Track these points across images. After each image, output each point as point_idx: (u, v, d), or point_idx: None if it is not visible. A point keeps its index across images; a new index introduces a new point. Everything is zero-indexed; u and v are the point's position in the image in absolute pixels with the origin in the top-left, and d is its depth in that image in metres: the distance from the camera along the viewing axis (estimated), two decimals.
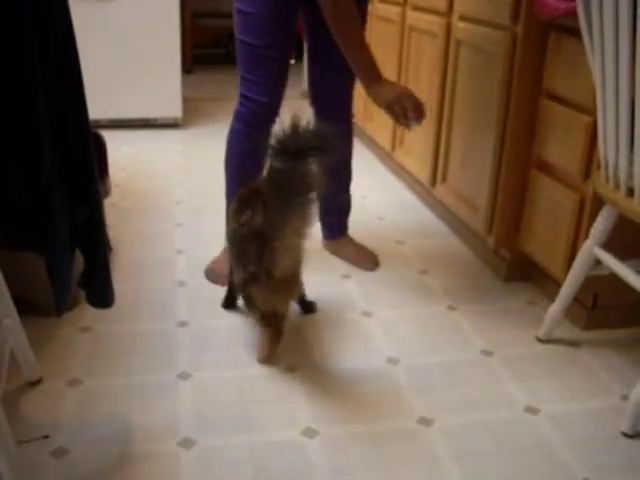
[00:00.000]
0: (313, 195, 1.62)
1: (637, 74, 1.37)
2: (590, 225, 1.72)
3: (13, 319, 1.50)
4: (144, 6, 3.66)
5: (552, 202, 1.95)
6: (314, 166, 1.59)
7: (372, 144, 3.53)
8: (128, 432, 1.47)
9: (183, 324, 1.90)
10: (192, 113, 4.27)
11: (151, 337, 1.83)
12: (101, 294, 1.45)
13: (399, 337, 1.88)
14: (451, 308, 2.05)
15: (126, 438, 1.45)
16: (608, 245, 1.67)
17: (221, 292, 2.01)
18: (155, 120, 3.94)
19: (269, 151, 1.57)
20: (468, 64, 2.30)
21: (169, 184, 3.04)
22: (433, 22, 2.55)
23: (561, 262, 1.91)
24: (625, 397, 1.65)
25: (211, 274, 2.16)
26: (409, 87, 2.81)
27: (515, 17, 1.98)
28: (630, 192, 1.53)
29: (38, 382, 1.62)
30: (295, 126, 1.58)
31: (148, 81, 3.79)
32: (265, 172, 1.62)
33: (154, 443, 1.44)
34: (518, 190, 2.11)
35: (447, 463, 1.42)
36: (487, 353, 1.82)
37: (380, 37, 3.17)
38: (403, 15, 2.90)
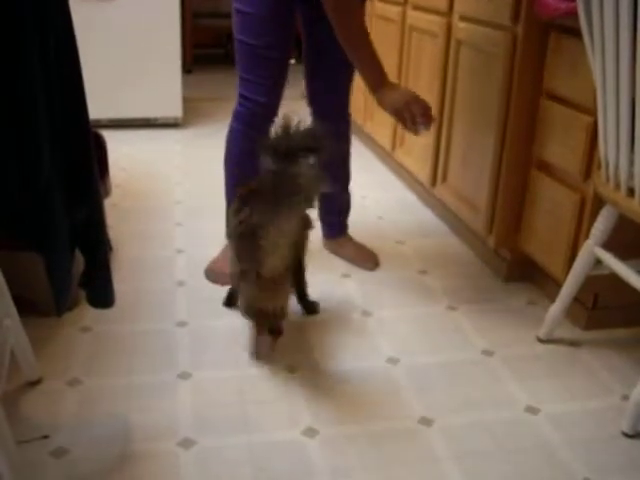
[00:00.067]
0: (305, 196, 1.63)
1: (638, 74, 1.37)
2: (590, 225, 1.72)
3: (13, 319, 1.50)
4: (144, 6, 3.66)
5: (552, 202, 1.95)
6: (307, 167, 1.60)
7: (372, 143, 3.53)
8: (128, 432, 1.47)
9: (183, 324, 1.90)
10: (192, 113, 4.27)
11: (151, 337, 1.83)
12: (101, 294, 1.45)
13: (399, 337, 1.88)
14: (451, 308, 2.04)
15: (126, 438, 1.45)
16: (609, 245, 1.67)
17: (221, 292, 2.01)
18: (155, 120, 3.94)
19: (261, 151, 1.58)
20: (468, 64, 2.30)
21: (169, 184, 3.04)
22: (433, 22, 2.55)
23: (561, 262, 1.91)
24: (626, 397, 1.65)
25: (211, 274, 2.16)
26: (409, 87, 2.82)
27: (515, 17, 1.98)
28: (630, 192, 1.52)
29: (38, 382, 1.62)
30: (286, 127, 1.59)
31: (148, 81, 3.79)
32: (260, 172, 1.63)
33: (154, 443, 1.44)
34: (518, 190, 2.11)
35: (447, 463, 1.42)
36: (487, 353, 1.82)
37: (380, 37, 3.17)
38: (403, 15, 2.90)
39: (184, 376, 1.67)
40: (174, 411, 1.54)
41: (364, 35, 1.84)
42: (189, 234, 2.50)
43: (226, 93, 4.73)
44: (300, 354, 1.79)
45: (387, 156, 3.30)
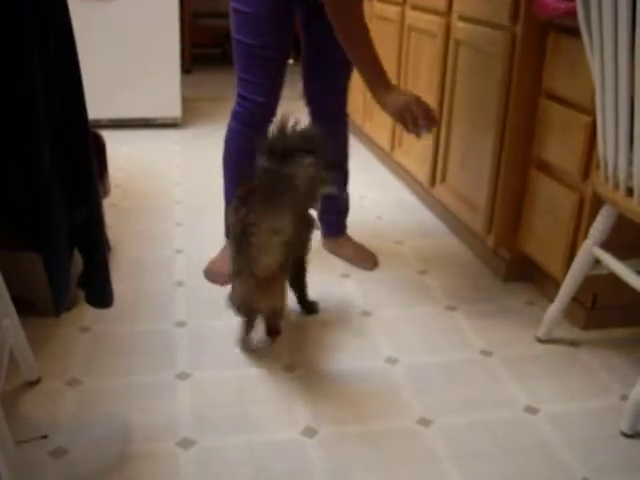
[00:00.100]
0: (301, 195, 1.63)
1: (636, 73, 1.37)
2: (589, 225, 1.72)
3: (12, 319, 1.50)
4: (143, 6, 3.66)
5: (551, 202, 1.95)
6: (305, 168, 1.60)
7: (371, 143, 3.53)
8: (127, 432, 1.47)
9: (182, 324, 1.90)
10: (191, 113, 4.27)
11: (150, 337, 1.83)
12: (100, 294, 1.45)
13: (398, 337, 1.88)
14: (450, 308, 2.05)
15: (125, 438, 1.45)
16: (607, 245, 1.67)
17: (220, 292, 2.01)
18: (154, 120, 3.94)
19: (257, 150, 1.59)
20: (467, 64, 2.30)
21: (168, 184, 3.04)
22: (432, 22, 2.55)
23: (560, 262, 1.91)
24: (624, 397, 1.65)
25: (210, 274, 2.15)
26: (408, 87, 2.82)
27: (514, 17, 1.98)
28: (629, 192, 1.53)
29: (37, 382, 1.62)
30: (282, 127, 1.60)
31: (147, 81, 3.79)
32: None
33: (153, 443, 1.44)
34: (517, 190, 2.11)
35: (446, 463, 1.42)
36: (486, 353, 1.82)
37: (379, 37, 3.16)
38: (402, 15, 2.90)
39: (183, 376, 1.67)
40: (173, 411, 1.54)
41: (365, 35, 1.83)
42: (188, 234, 2.50)
43: (225, 93, 4.72)
44: (299, 354, 1.79)
45: (386, 156, 3.30)
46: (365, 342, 1.85)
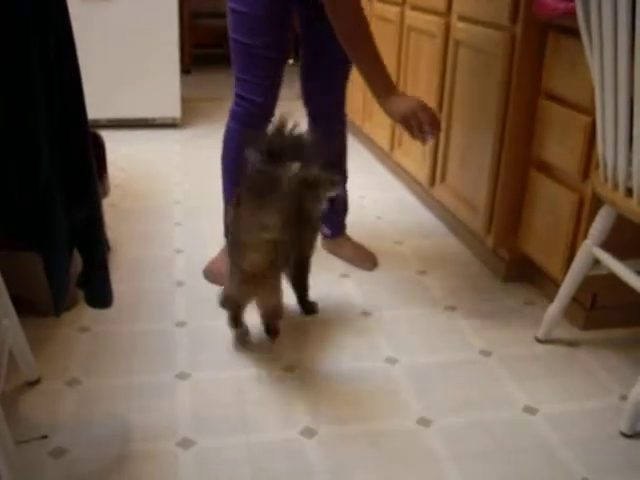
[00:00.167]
0: (290, 196, 1.64)
1: (636, 73, 1.37)
2: (589, 225, 1.72)
3: (12, 319, 1.49)
4: (143, 6, 3.66)
5: (551, 202, 1.95)
6: (292, 173, 1.62)
7: (370, 143, 3.53)
8: (127, 432, 1.47)
9: (182, 324, 1.90)
10: (191, 113, 4.27)
11: (150, 337, 1.83)
12: (100, 294, 1.45)
13: (398, 337, 1.88)
14: (450, 308, 2.05)
15: (125, 438, 1.45)
16: (607, 245, 1.68)
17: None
18: (154, 120, 3.94)
19: (250, 146, 1.60)
20: (467, 64, 2.30)
21: (168, 184, 3.04)
22: (432, 22, 2.55)
23: (560, 262, 1.91)
24: (624, 397, 1.65)
25: (210, 274, 2.15)
26: (407, 87, 2.82)
27: (514, 17, 1.98)
28: (629, 192, 1.53)
29: (37, 382, 1.62)
30: (280, 128, 1.61)
31: (147, 81, 3.79)
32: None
33: (152, 443, 1.44)
34: (517, 190, 2.11)
35: (446, 463, 1.42)
36: (486, 353, 1.82)
37: (379, 37, 3.15)
38: (402, 15, 2.90)
39: (183, 376, 1.67)
40: (173, 411, 1.54)
41: (365, 36, 1.82)
42: (188, 234, 2.50)
43: (225, 93, 4.71)
44: (299, 354, 1.79)
45: (385, 156, 3.30)
46: (365, 342, 1.85)
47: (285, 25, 1.96)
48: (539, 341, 1.88)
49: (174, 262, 2.28)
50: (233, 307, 1.79)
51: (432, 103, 2.54)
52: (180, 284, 2.13)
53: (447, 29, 2.43)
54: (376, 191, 3.04)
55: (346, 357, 1.78)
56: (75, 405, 1.55)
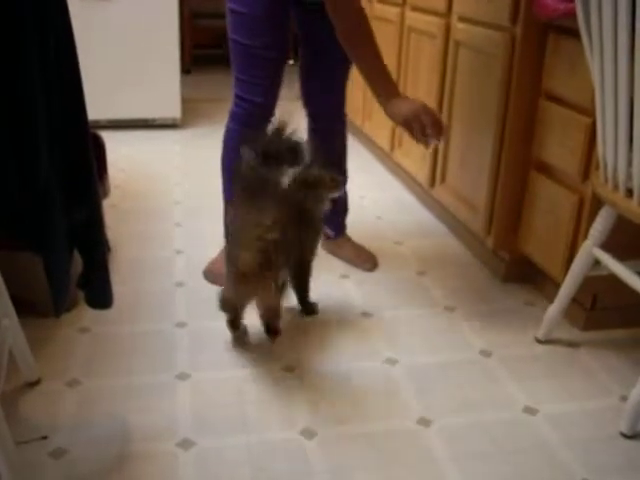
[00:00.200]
0: (283, 198, 1.65)
1: (636, 74, 1.37)
2: (589, 226, 1.72)
3: (12, 319, 1.49)
4: (143, 6, 3.66)
5: (551, 203, 1.95)
6: (284, 177, 1.63)
7: (370, 144, 3.53)
8: (127, 433, 1.47)
9: (182, 325, 1.90)
10: (191, 113, 4.27)
11: (150, 338, 1.83)
12: (100, 295, 1.45)
13: (398, 337, 1.88)
14: (449, 309, 2.05)
15: (125, 439, 1.45)
16: (607, 246, 1.68)
17: None
18: (154, 120, 3.94)
19: (246, 144, 1.61)
20: (467, 65, 2.30)
21: (168, 184, 3.04)
22: (432, 23, 2.55)
23: (560, 263, 1.91)
24: (624, 398, 1.65)
25: (210, 275, 2.15)
26: (407, 88, 2.82)
27: (514, 18, 1.98)
28: (629, 193, 1.53)
29: (37, 383, 1.62)
30: (279, 132, 1.63)
31: (147, 81, 3.79)
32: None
33: (153, 444, 1.44)
34: (517, 191, 2.11)
35: (446, 463, 1.42)
36: (485, 354, 1.82)
37: (379, 38, 3.15)
38: (402, 16, 2.90)
39: (183, 377, 1.67)
40: (173, 412, 1.54)
41: (366, 36, 1.82)
42: (188, 235, 2.50)
43: (225, 94, 4.70)
44: (299, 354, 1.79)
45: (386, 157, 3.30)
46: (364, 343, 1.85)
47: (284, 25, 1.96)
48: (539, 342, 1.88)
49: (174, 263, 2.28)
50: (231, 310, 1.79)
51: (432, 104, 2.54)
52: (180, 285, 2.13)
53: (447, 30, 2.43)
54: (376, 191, 3.04)
55: (346, 357, 1.78)
56: (75, 406, 1.55)
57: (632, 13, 1.33)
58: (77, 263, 1.40)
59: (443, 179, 2.54)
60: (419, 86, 2.72)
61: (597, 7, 1.42)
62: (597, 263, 1.71)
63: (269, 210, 1.60)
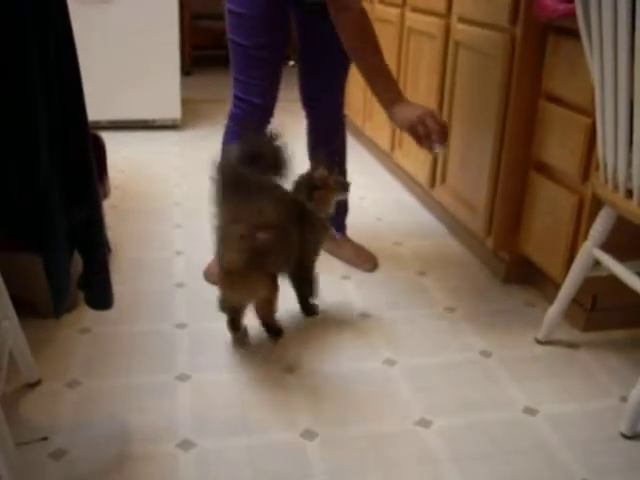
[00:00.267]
0: (269, 196, 1.67)
1: (636, 75, 1.37)
2: (589, 226, 1.72)
3: (12, 320, 1.49)
4: (143, 7, 3.66)
5: (551, 203, 1.95)
6: (264, 184, 1.64)
7: (371, 144, 3.53)
8: (127, 433, 1.47)
9: (182, 326, 1.90)
10: (191, 115, 4.27)
11: (150, 338, 1.83)
12: (100, 296, 1.45)
13: (397, 338, 1.88)
14: (449, 309, 2.05)
15: (125, 439, 1.45)
16: (607, 246, 1.68)
17: None
18: (154, 122, 3.94)
19: (236, 143, 1.61)
20: (467, 66, 2.30)
21: (168, 185, 3.04)
22: (432, 24, 2.56)
23: (560, 263, 1.91)
24: (624, 398, 1.65)
25: (210, 276, 2.15)
26: (407, 89, 2.82)
27: (514, 19, 1.98)
28: (629, 193, 1.53)
29: (37, 383, 1.62)
30: (270, 141, 1.64)
31: (147, 82, 3.79)
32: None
33: (153, 444, 1.44)
34: (517, 191, 2.11)
35: (446, 464, 1.42)
36: (485, 354, 1.82)
37: (379, 39, 3.17)
38: (402, 17, 2.90)
39: (183, 378, 1.67)
40: (173, 412, 1.54)
41: (367, 36, 1.82)
42: (188, 236, 2.50)
43: (225, 95, 4.70)
44: (299, 355, 1.78)
45: (386, 157, 3.30)
46: (364, 343, 1.85)
47: (282, 26, 1.96)
48: (539, 342, 1.88)
49: (174, 263, 2.28)
50: (231, 311, 1.79)
51: (432, 104, 2.54)
52: (180, 285, 2.13)
53: (447, 31, 2.43)
54: (376, 192, 3.04)
55: (346, 358, 1.78)
56: (75, 406, 1.55)
57: (632, 13, 1.33)
58: (77, 263, 1.40)
59: (443, 180, 2.54)
60: (419, 87, 2.72)
61: (597, 7, 1.42)
62: (597, 264, 1.71)
63: (253, 208, 1.59)
